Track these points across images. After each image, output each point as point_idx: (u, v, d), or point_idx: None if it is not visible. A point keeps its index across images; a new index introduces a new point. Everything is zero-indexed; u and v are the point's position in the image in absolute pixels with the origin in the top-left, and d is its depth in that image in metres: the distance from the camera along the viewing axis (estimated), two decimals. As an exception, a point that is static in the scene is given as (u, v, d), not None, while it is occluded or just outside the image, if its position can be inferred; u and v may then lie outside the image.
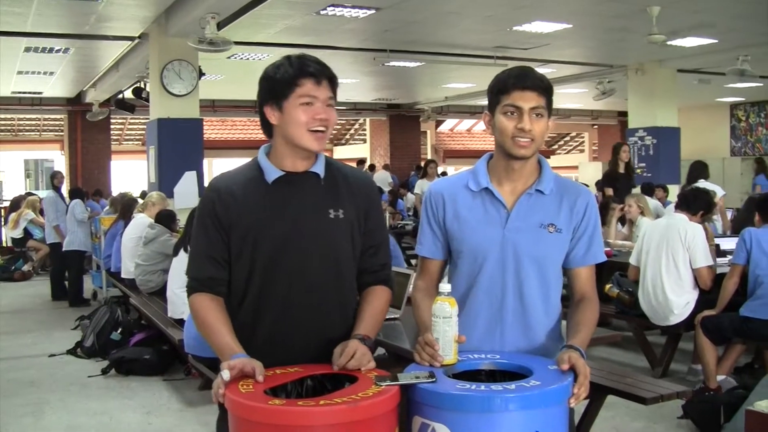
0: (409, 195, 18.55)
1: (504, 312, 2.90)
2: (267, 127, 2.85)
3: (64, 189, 14.15)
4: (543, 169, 2.94)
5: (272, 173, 2.81)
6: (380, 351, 5.88)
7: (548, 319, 2.95)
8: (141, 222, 9.53)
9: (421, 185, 15.35)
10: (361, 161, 23.97)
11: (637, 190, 11.28)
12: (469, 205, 2.92)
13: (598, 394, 4.85)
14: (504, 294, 2.89)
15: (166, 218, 9.02)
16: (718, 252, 7.94)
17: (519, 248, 2.86)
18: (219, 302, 2.80)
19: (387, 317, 5.48)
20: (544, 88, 2.82)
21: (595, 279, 3.01)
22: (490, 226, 2.88)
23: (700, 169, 11.36)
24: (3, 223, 18.29)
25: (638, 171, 16.58)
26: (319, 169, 2.85)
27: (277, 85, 2.75)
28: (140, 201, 11.74)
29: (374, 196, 3.00)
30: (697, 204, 7.24)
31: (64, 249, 12.41)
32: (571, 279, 2.99)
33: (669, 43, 13.17)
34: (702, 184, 10.83)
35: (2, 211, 19.18)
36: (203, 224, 2.83)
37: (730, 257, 7.09)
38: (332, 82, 2.79)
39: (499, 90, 2.84)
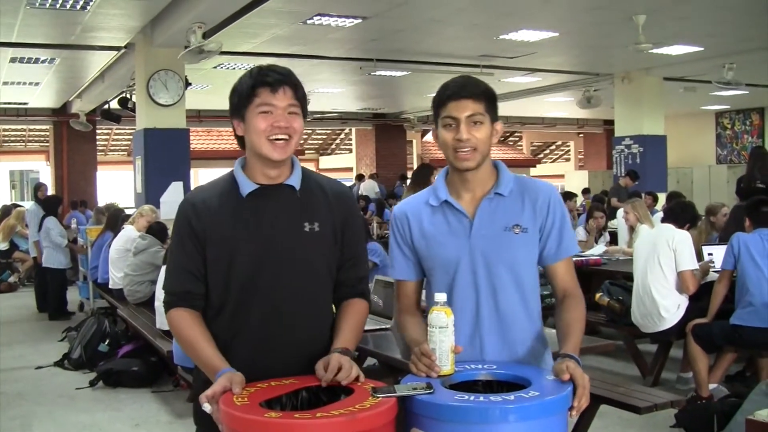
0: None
1: (480, 321, 2.86)
2: (240, 139, 2.82)
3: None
4: (500, 173, 2.91)
5: (246, 186, 2.76)
6: (371, 361, 5.88)
7: (531, 323, 2.91)
8: (129, 234, 9.52)
9: None
10: (359, 177, 23.93)
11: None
12: (433, 220, 2.90)
13: (591, 403, 4.81)
14: (479, 303, 2.85)
15: (157, 230, 9.02)
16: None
17: (488, 255, 2.82)
18: (197, 316, 2.76)
19: (378, 328, 5.52)
20: (480, 94, 2.78)
21: (574, 271, 2.96)
22: (455, 238, 2.85)
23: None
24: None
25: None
26: (295, 181, 2.80)
27: (238, 97, 2.74)
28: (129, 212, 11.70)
29: (352, 207, 2.96)
30: (684, 216, 7.36)
31: (43, 265, 12.29)
32: (551, 276, 2.95)
33: (655, 51, 13.26)
34: None
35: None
36: (179, 238, 2.78)
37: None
38: (295, 89, 2.73)
39: (437, 104, 2.84)
